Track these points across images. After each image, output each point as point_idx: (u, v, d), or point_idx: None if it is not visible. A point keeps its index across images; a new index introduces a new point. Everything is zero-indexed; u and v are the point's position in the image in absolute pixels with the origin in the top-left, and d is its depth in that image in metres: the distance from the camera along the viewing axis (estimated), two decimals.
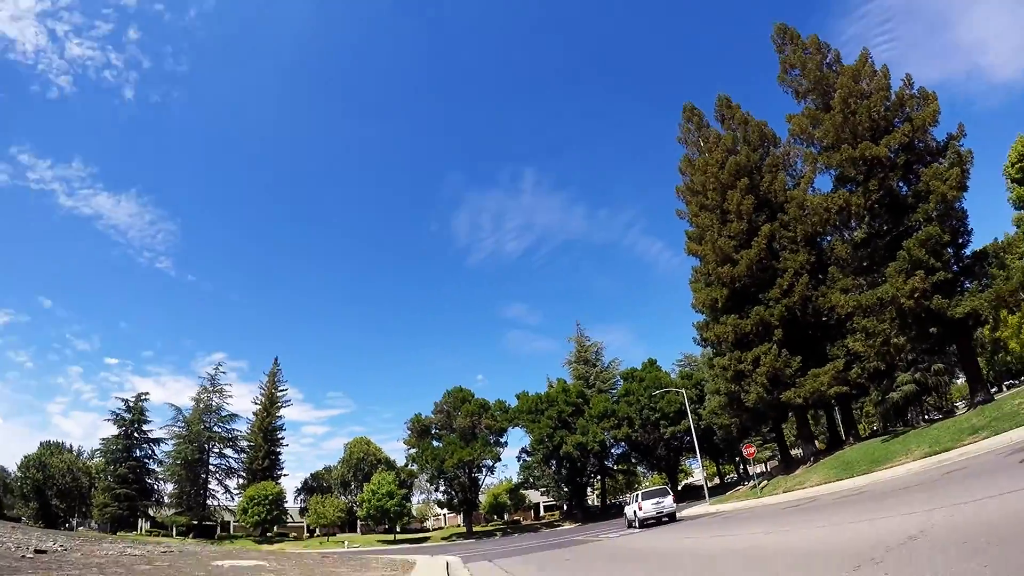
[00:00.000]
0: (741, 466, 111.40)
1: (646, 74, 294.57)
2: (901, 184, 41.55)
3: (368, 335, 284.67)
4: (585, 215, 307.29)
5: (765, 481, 48.56)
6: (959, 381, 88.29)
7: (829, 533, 16.01)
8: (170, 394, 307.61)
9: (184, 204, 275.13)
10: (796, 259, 47.70)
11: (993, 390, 52.76)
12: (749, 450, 50.24)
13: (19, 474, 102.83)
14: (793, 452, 65.55)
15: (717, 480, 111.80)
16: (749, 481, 79.56)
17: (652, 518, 39.38)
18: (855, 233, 46.12)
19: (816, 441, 59.68)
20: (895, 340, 38.79)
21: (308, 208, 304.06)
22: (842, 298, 41.38)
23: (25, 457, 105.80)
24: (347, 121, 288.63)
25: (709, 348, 60.20)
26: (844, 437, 49.93)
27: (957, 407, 65.29)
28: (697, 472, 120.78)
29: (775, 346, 45.31)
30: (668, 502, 39.84)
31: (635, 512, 40.75)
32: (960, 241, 40.55)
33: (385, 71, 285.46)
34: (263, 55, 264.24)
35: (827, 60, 46.79)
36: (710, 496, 60.63)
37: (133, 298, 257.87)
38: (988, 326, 57.94)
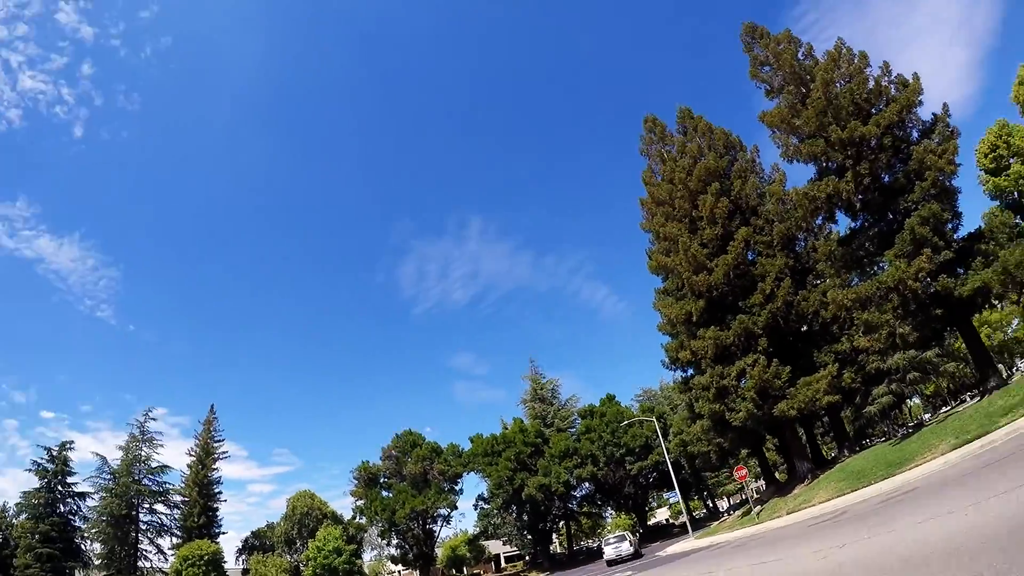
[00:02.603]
0: (709, 500, 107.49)
1: (590, 117, 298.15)
2: (895, 162, 38.66)
3: (314, 389, 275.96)
4: (531, 262, 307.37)
5: (758, 507, 43.77)
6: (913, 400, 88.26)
7: (928, 530, 12.71)
8: (109, 450, 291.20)
9: (128, 250, 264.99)
10: (775, 263, 44.14)
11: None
12: (741, 472, 45.52)
13: None
14: (776, 474, 61.39)
15: (683, 517, 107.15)
16: (727, 514, 76.07)
17: (615, 560, 50.81)
18: (831, 234, 43.89)
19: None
20: (900, 329, 35.18)
21: (253, 257, 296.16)
22: (839, 293, 37.71)
23: None
24: (295, 166, 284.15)
25: (679, 372, 56.02)
26: (838, 451, 46.07)
27: (926, 419, 62.55)
28: (661, 511, 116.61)
29: (762, 356, 41.23)
30: (625, 546, 51.38)
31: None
32: (953, 224, 37.87)
33: (335, 117, 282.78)
34: (214, 96, 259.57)
35: (800, 53, 44.56)
36: (690, 531, 55.63)
37: (72, 348, 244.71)
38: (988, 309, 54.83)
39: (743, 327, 42.38)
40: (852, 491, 30.33)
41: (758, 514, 40.90)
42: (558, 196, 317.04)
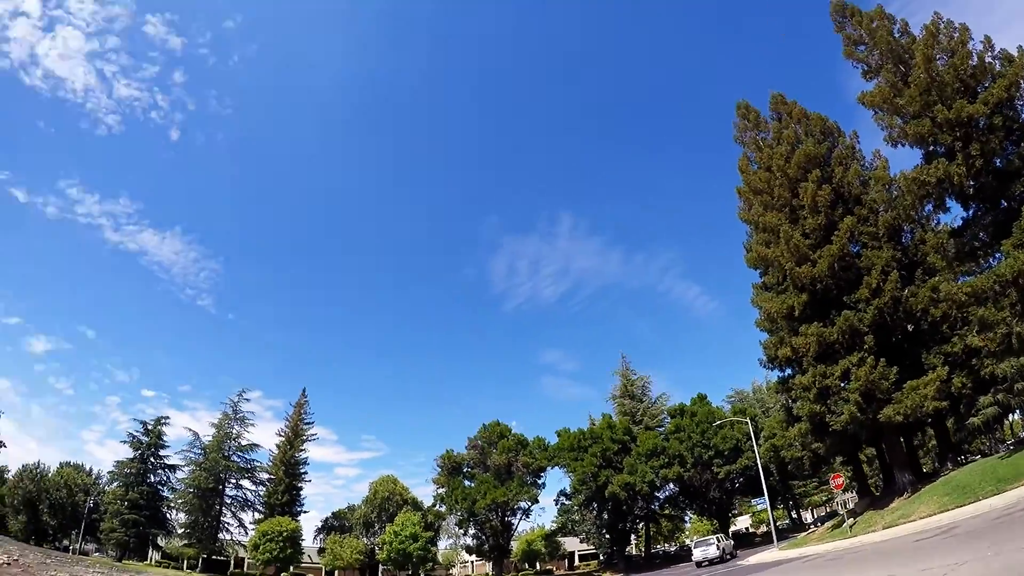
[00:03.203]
0: (793, 511, 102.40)
1: (679, 111, 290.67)
2: (1007, 144, 34.88)
3: (403, 379, 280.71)
4: (621, 260, 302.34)
5: (851, 519, 40.37)
6: None
7: None
8: (203, 428, 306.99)
9: (226, 244, 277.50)
10: (881, 255, 40.66)
11: None
12: (837, 480, 42.21)
13: (12, 484, 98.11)
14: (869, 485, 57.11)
15: (764, 528, 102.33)
16: (814, 525, 71.79)
17: (702, 561, 53.25)
18: (940, 225, 40.57)
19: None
20: (1019, 328, 31.39)
21: (347, 251, 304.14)
22: (953, 287, 34.07)
23: (23, 466, 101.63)
24: (386, 163, 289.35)
25: (776, 371, 52.80)
26: (939, 463, 42.19)
27: None
28: (741, 519, 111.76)
29: (868, 355, 37.93)
30: (712, 549, 53.79)
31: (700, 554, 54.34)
32: None
33: (425, 115, 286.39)
34: (304, 100, 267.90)
35: (895, 30, 41.32)
36: (775, 540, 52.36)
37: (173, 333, 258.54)
38: None
39: (848, 323, 39.29)
40: (958, 507, 27.41)
41: (851, 527, 37.71)
42: (649, 192, 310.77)
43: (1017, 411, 75.94)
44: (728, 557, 54.52)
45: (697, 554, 54.45)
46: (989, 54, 36.53)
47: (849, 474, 50.47)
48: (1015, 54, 35.36)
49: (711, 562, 52.57)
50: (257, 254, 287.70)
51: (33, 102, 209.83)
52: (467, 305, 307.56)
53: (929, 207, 39.83)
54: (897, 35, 40.95)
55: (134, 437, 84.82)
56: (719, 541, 55.73)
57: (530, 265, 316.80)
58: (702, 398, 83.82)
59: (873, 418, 37.36)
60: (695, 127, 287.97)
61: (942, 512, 27.80)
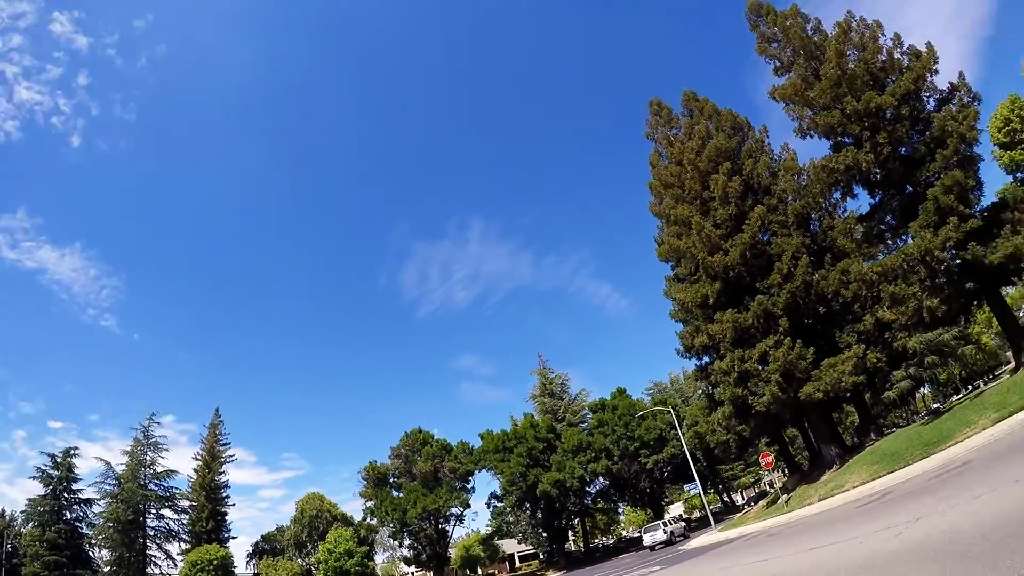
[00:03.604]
0: (724, 494, 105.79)
1: (585, 116, 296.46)
2: (912, 133, 37.25)
3: (320, 393, 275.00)
4: (532, 262, 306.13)
5: (785, 495, 42.04)
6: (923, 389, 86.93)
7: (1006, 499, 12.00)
8: (116, 457, 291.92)
9: (129, 259, 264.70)
10: (791, 242, 42.60)
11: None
12: (767, 459, 43.96)
13: None
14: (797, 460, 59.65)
15: (697, 513, 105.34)
16: (748, 505, 74.29)
17: (656, 543, 55.89)
18: (849, 214, 42.29)
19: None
20: (928, 302, 33.73)
21: (256, 264, 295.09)
22: (864, 267, 36.21)
23: None
24: (294, 170, 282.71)
25: (694, 360, 54.22)
26: (863, 436, 44.54)
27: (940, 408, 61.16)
28: (674, 507, 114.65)
29: (785, 337, 39.66)
30: (659, 534, 56.45)
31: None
32: (976, 193, 36.29)
33: (333, 120, 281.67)
34: (211, 102, 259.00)
35: (809, 28, 43.26)
36: (712, 523, 54.02)
37: (78, 357, 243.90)
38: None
39: (762, 308, 40.93)
40: (889, 472, 28.87)
41: (786, 502, 39.29)
42: (557, 196, 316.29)
43: (927, 384, 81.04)
44: (677, 540, 56.15)
45: (647, 539, 57.72)
46: (898, 50, 38.65)
47: (776, 453, 52.44)
48: (923, 50, 37.58)
49: (661, 545, 55.20)
50: (160, 270, 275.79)
51: None
52: (381, 314, 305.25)
53: (837, 194, 41.96)
54: (810, 32, 42.72)
55: (44, 472, 79.24)
56: (665, 526, 57.91)
57: (442, 271, 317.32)
58: (622, 392, 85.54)
59: (794, 397, 39.01)
60: (604, 128, 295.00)
61: (874, 479, 29.24)
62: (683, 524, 64.65)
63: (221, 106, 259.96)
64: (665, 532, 56.50)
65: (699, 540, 45.78)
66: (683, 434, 69.66)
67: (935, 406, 69.55)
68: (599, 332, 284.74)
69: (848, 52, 39.21)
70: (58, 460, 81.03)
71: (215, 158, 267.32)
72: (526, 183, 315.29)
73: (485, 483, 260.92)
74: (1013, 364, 41.05)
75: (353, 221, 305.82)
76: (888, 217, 39.03)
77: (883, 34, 39.27)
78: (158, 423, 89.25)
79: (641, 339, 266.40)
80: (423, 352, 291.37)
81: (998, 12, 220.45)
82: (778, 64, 44.69)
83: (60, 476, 79.74)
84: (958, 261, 34.01)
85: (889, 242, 38.98)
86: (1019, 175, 53.43)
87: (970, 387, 77.93)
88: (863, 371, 39.20)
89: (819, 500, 33.30)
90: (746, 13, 47.00)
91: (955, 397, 73.55)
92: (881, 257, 38.73)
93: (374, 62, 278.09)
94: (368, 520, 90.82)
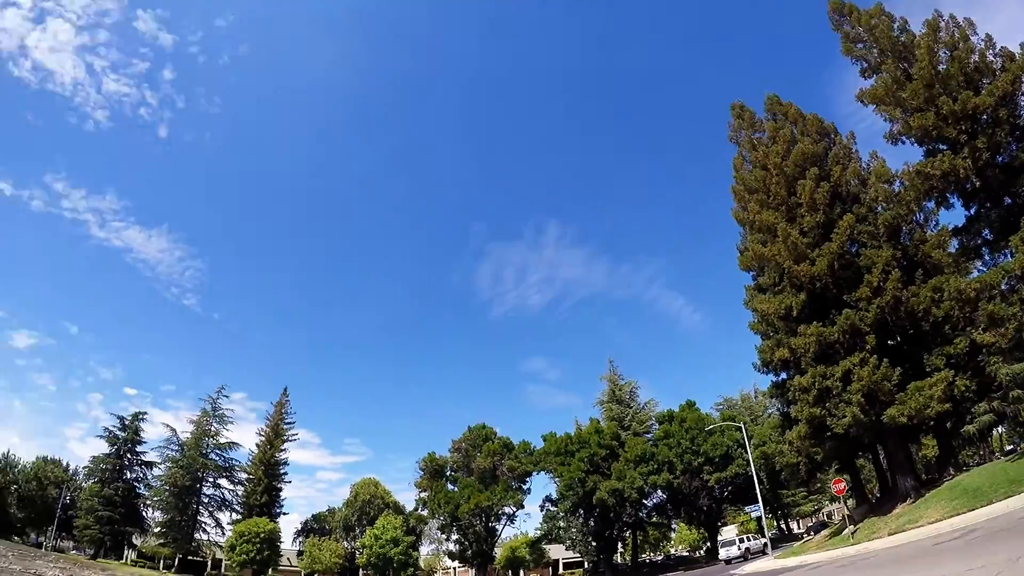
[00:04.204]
0: (782, 521, 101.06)
1: (666, 125, 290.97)
2: (1010, 140, 34.14)
3: (388, 383, 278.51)
4: (607, 270, 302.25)
5: (851, 526, 38.84)
6: None
7: None
8: (185, 427, 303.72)
9: (213, 243, 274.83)
10: (881, 254, 39.33)
11: None
12: (839, 485, 40.56)
13: None
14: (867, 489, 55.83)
15: (759, 535, 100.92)
16: (807, 534, 70.22)
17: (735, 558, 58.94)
18: (942, 228, 39.17)
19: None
20: None
21: (333, 254, 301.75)
22: (962, 282, 33.05)
23: None
24: (374, 167, 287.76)
25: (771, 376, 51.17)
26: (940, 469, 40.96)
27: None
28: (727, 529, 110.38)
29: (870, 356, 36.58)
30: (734, 550, 60.69)
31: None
32: None
33: (413, 120, 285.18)
34: (293, 100, 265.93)
35: (895, 26, 40.78)
36: (770, 549, 50.93)
37: (158, 332, 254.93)
38: None
39: (849, 322, 37.90)
40: (969, 510, 26.01)
41: (853, 533, 36.20)
42: (635, 202, 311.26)
43: (1005, 421, 74.94)
44: (753, 556, 56.79)
45: (722, 552, 62.87)
46: (990, 52, 36.01)
47: (845, 481, 48.92)
48: (1016, 52, 34.78)
49: (737, 559, 58.39)
50: (243, 254, 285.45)
51: (21, 94, 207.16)
52: (453, 311, 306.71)
53: (930, 204, 39.05)
54: (896, 32, 40.31)
55: (111, 432, 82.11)
56: (742, 541, 63.18)
57: (516, 273, 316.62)
58: (691, 404, 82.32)
59: (876, 420, 35.97)
60: (682, 136, 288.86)
61: (953, 516, 26.42)
62: (763, 542, 63.09)
63: (302, 103, 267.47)
64: (740, 548, 60.48)
65: (754, 566, 43.06)
66: (749, 453, 66.47)
67: (1009, 448, 64.25)
68: (671, 344, 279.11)
69: (939, 52, 36.67)
70: (126, 422, 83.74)
71: (295, 152, 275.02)
72: (604, 189, 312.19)
73: (541, 485, 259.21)
74: None
75: (432, 218, 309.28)
76: (985, 230, 36.06)
77: (975, 33, 36.69)
78: (227, 396, 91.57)
79: (713, 354, 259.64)
80: (493, 351, 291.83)
81: None
82: (865, 65, 42.62)
83: (126, 438, 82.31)
84: None
85: (987, 257, 35.95)
86: None
87: None
88: (950, 398, 35.81)
89: (889, 534, 30.42)
90: (829, 13, 45.06)
91: None
92: (977, 274, 35.57)
93: (455, 61, 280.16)
94: (419, 510, 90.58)
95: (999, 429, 78.28)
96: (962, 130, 33.85)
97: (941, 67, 35.66)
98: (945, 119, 34.17)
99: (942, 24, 37.25)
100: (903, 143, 39.33)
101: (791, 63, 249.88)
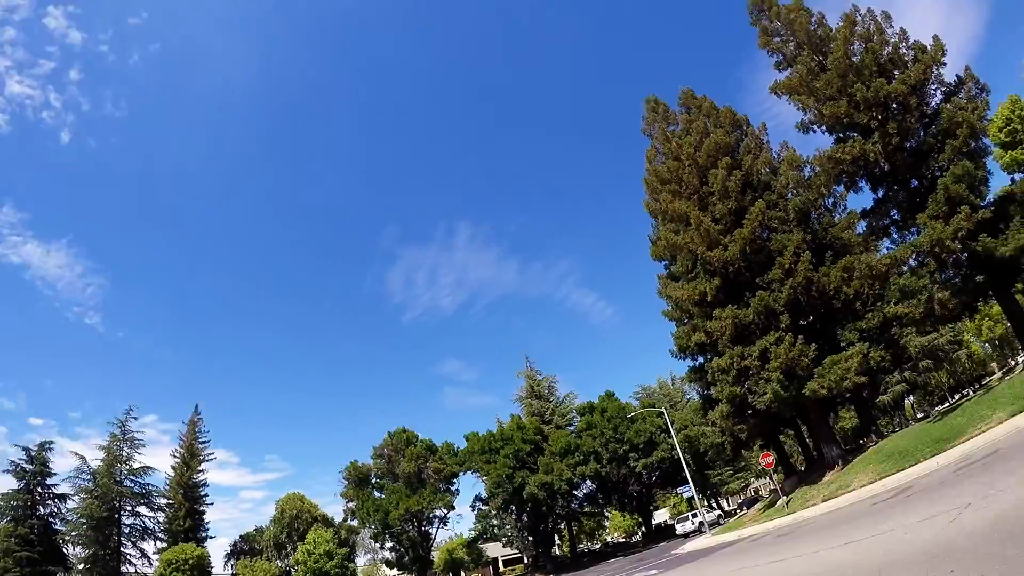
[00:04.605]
0: (712, 500, 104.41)
1: (575, 124, 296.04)
2: (919, 126, 36.72)
3: (304, 395, 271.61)
4: (518, 269, 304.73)
5: (784, 497, 40.58)
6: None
7: None
8: (93, 453, 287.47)
9: (115, 257, 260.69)
10: (792, 238, 41.24)
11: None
12: (768, 459, 42.30)
13: None
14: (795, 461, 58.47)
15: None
16: (740, 509, 72.93)
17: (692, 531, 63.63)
18: (850, 213, 41.44)
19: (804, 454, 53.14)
20: (939, 295, 33.01)
21: (241, 265, 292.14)
22: (873, 258, 35.24)
23: None
24: (282, 171, 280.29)
25: (688, 361, 52.99)
26: (863, 437, 43.30)
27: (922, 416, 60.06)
28: (659, 513, 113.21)
29: (786, 334, 38.31)
30: (688, 524, 66.76)
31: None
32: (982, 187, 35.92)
33: (321, 121, 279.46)
34: (203, 101, 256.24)
35: (812, 21, 42.62)
36: (706, 527, 52.56)
37: (61, 354, 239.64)
38: None
39: (763, 304, 39.54)
40: (899, 470, 27.44)
41: (787, 504, 37.88)
42: (544, 203, 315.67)
43: (913, 391, 79.82)
44: (708, 529, 56.55)
45: (679, 528, 68.91)
46: (903, 44, 38.23)
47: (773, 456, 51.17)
48: (928, 45, 37.08)
49: (694, 532, 62.23)
50: (146, 268, 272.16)
51: None
52: (366, 317, 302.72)
53: (840, 188, 41.12)
54: (814, 27, 42.18)
55: (17, 466, 76.43)
56: (694, 517, 66.71)
57: (428, 276, 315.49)
58: (610, 395, 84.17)
59: (796, 394, 37.63)
60: (591, 133, 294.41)
61: (883, 477, 27.87)
62: (717, 514, 70.38)
63: (212, 106, 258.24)
64: (693, 523, 64.87)
65: (693, 544, 44.19)
66: (673, 438, 68.46)
67: (920, 415, 68.56)
68: (584, 340, 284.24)
69: (854, 43, 38.72)
70: (32, 454, 78.08)
71: (204, 157, 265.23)
72: (514, 189, 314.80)
73: (470, 485, 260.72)
74: None
75: (340, 222, 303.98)
76: (893, 211, 38.46)
77: (890, 26, 38.97)
78: (135, 418, 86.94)
79: (627, 347, 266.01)
80: (408, 356, 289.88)
81: (992, 17, 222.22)
82: (781, 59, 44.47)
83: (34, 470, 76.92)
84: (966, 255, 33.42)
85: (895, 236, 38.25)
86: (1020, 175, 53.08)
87: (957, 396, 77.08)
88: (866, 370, 37.92)
89: (823, 501, 31.90)
90: (748, 8, 46.64)
91: (942, 406, 72.36)
92: (885, 252, 37.87)
93: (364, 64, 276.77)
94: (349, 521, 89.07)
95: (910, 398, 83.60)
96: (873, 116, 35.97)
97: (855, 58, 37.66)
98: (857, 106, 36.16)
99: (858, 17, 39.31)
100: (814, 132, 41.67)
101: (703, 61, 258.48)
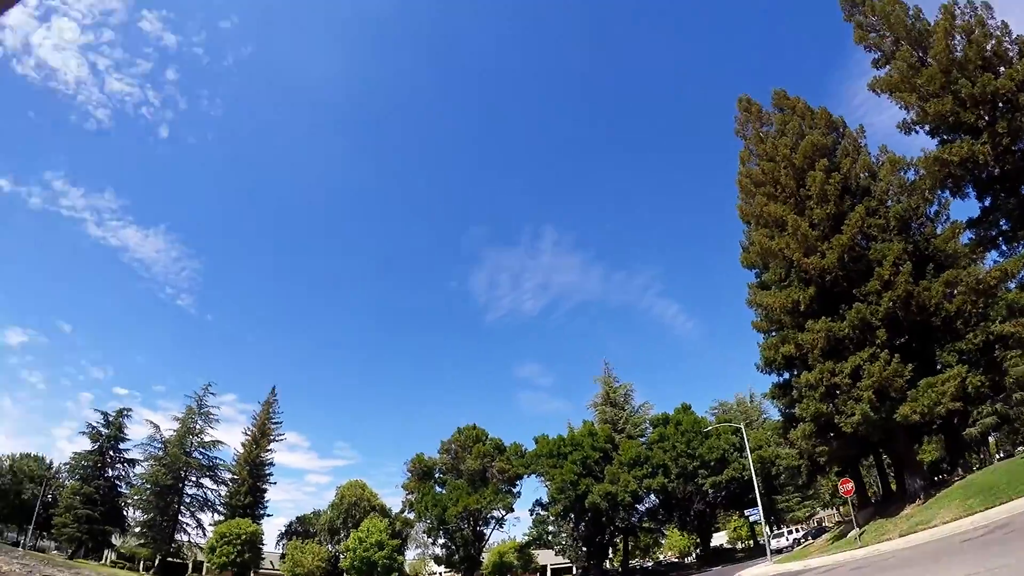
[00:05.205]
0: (776, 526, 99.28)
1: (665, 130, 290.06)
2: None
3: (380, 387, 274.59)
4: (602, 276, 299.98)
5: (857, 529, 36.97)
6: None
7: None
8: (172, 426, 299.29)
9: (209, 244, 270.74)
10: (892, 247, 37.66)
11: None
12: (847, 486, 38.37)
13: None
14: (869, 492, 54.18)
15: (741, 544, 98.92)
16: (806, 539, 68.65)
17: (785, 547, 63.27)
18: (955, 223, 37.69)
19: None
20: None
21: (330, 258, 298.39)
22: (981, 270, 31.89)
23: None
24: (373, 172, 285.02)
25: (774, 376, 49.44)
26: (950, 470, 39.34)
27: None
28: (718, 535, 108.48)
29: (881, 351, 34.88)
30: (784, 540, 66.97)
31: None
32: None
33: (414, 124, 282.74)
34: (295, 102, 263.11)
35: (909, 14, 39.61)
36: (768, 554, 49.12)
37: (151, 332, 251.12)
38: None
39: (860, 317, 36.12)
40: (987, 508, 24.42)
41: (860, 535, 34.43)
42: (632, 210, 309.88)
43: (1000, 427, 73.23)
44: (800, 545, 59.71)
45: (773, 543, 63.76)
46: (1006, 39, 34.97)
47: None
48: None
49: (787, 548, 62.25)
50: (238, 256, 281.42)
51: (24, 91, 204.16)
52: (448, 315, 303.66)
53: (946, 194, 37.58)
54: (911, 20, 39.14)
55: (94, 428, 79.09)
56: (789, 534, 68.92)
57: (512, 278, 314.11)
58: (686, 408, 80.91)
59: (886, 418, 34.16)
60: (681, 141, 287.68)
61: (968, 515, 24.76)
62: (794, 539, 66.87)
63: (302, 105, 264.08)
64: (788, 539, 65.91)
65: (752, 571, 41.33)
66: (746, 459, 64.96)
67: (999, 456, 62.67)
68: (665, 351, 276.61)
69: (955, 37, 35.55)
70: (110, 419, 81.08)
71: (296, 153, 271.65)
72: (601, 196, 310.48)
73: (532, 490, 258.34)
74: None
75: (429, 221, 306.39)
76: (1002, 221, 34.94)
77: (992, 17, 35.59)
78: (213, 394, 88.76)
79: (706, 362, 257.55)
80: (487, 356, 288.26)
81: None
82: (878, 55, 41.72)
83: (109, 434, 79.69)
84: None
85: (1003, 248, 34.61)
86: None
87: None
88: (962, 396, 34.16)
89: (900, 536, 28.78)
90: (841, 2, 44.16)
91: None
92: (991, 266, 34.22)
93: (454, 66, 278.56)
94: (406, 513, 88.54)
95: (995, 434, 77.07)
96: (980, 115, 32.71)
97: (957, 53, 34.58)
98: (963, 103, 32.95)
99: (958, 10, 36.04)
100: (916, 132, 38.45)
101: (795, 64, 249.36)
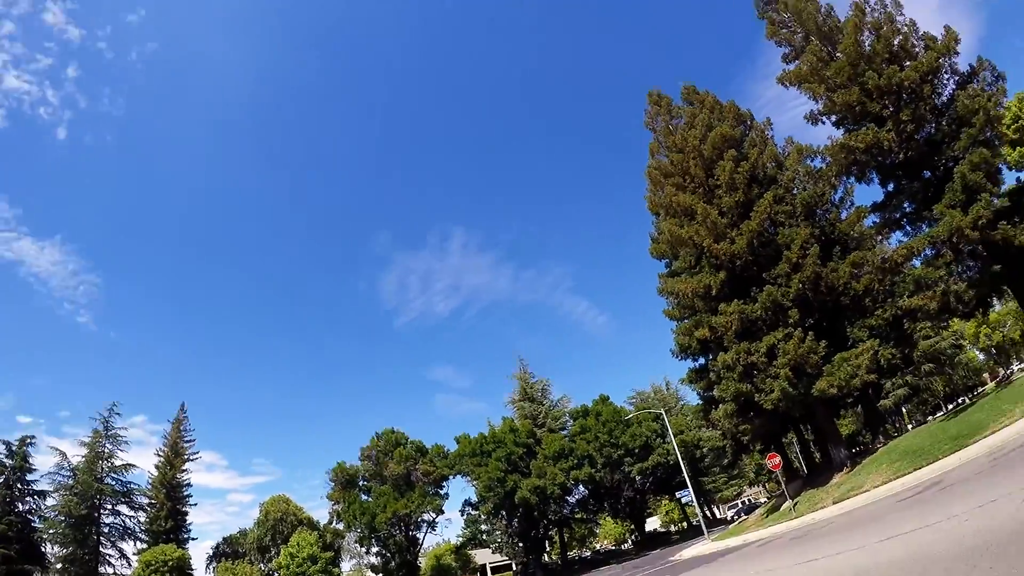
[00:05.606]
0: (705, 507, 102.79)
1: (573, 127, 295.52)
2: (931, 118, 35.54)
3: (294, 399, 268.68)
4: (511, 276, 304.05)
5: (790, 501, 38.71)
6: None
7: None
8: (77, 450, 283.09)
9: (107, 255, 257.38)
10: (800, 232, 39.68)
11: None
12: (774, 460, 40.18)
13: None
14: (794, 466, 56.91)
15: (675, 527, 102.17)
16: (738, 516, 71.65)
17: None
18: (860, 208, 40.00)
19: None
20: (955, 287, 31.98)
21: (236, 267, 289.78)
22: (888, 249, 34.37)
23: None
24: (279, 173, 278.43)
25: (689, 361, 51.44)
26: (871, 438, 41.77)
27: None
28: (651, 520, 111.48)
29: (794, 330, 36.69)
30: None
31: None
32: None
33: (316, 125, 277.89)
34: (199, 101, 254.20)
35: (821, 11, 41.65)
36: (705, 533, 50.79)
37: (52, 352, 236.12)
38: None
39: (771, 298, 37.83)
40: (916, 469, 25.84)
41: (794, 507, 36.13)
42: (538, 211, 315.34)
43: (911, 398, 78.36)
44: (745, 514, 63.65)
45: (730, 514, 70.29)
46: (913, 36, 37.14)
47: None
48: (939, 36, 36.03)
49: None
50: (140, 267, 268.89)
51: None
52: (359, 321, 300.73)
53: (851, 180, 39.94)
54: (822, 17, 41.20)
55: None
56: (739, 505, 71.35)
57: (421, 281, 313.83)
58: (604, 399, 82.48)
59: (805, 393, 35.96)
60: (587, 141, 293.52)
61: (899, 477, 26.30)
62: (744, 509, 70.33)
63: (207, 105, 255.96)
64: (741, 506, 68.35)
65: (692, 550, 42.45)
66: (668, 444, 66.87)
67: (911, 425, 67.06)
68: (577, 346, 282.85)
69: (865, 32, 37.66)
70: (13, 448, 75.63)
71: (200, 157, 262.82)
72: (508, 196, 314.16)
73: (459, 490, 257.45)
74: None
75: (334, 227, 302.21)
76: (905, 204, 37.18)
77: (901, 14, 37.92)
78: (119, 415, 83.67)
79: (620, 354, 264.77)
80: (400, 361, 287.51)
81: (989, 16, 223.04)
82: (789, 50, 43.60)
83: (14, 465, 74.23)
84: (981, 246, 32.24)
85: (907, 229, 37.01)
86: None
87: (951, 404, 75.70)
88: (876, 369, 36.38)
89: (834, 503, 30.24)
90: (755, 1, 46.12)
91: (937, 414, 70.72)
92: (896, 246, 36.61)
93: (359, 67, 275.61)
94: (335, 524, 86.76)
95: (907, 405, 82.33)
96: (886, 105, 34.95)
97: (866, 48, 36.59)
98: (870, 94, 35.02)
99: (868, 7, 38.16)
100: (823, 123, 40.64)
101: (703, 65, 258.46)
